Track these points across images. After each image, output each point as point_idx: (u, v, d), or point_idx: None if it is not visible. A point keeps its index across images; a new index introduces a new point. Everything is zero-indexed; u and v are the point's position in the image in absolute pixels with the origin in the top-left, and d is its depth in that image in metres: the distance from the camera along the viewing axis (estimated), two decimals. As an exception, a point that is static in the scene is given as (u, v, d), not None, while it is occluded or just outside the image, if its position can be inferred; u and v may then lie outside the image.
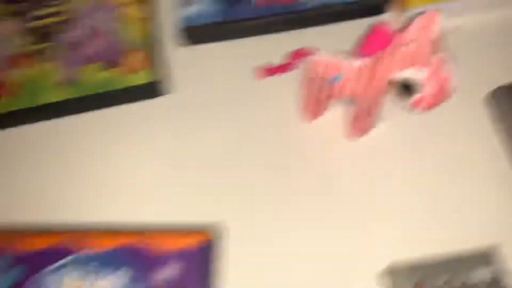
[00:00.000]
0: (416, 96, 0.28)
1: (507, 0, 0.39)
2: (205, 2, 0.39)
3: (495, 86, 0.34)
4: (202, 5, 0.39)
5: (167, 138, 0.36)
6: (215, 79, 0.38)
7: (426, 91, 0.28)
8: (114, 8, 0.40)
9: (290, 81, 0.37)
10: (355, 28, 0.38)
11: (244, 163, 0.34)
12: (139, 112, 0.37)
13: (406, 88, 0.28)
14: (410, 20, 0.27)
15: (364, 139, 0.35)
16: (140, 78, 0.37)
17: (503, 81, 0.35)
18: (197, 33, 0.38)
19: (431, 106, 0.28)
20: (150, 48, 0.38)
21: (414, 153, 0.34)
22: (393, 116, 0.34)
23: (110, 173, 0.35)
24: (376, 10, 0.40)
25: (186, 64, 0.39)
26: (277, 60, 0.37)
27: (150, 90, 0.37)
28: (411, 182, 0.33)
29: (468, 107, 0.35)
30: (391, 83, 0.28)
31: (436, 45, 0.27)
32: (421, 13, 0.27)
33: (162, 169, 0.35)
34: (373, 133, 0.35)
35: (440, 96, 0.28)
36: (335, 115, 0.36)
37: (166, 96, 0.38)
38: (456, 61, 0.36)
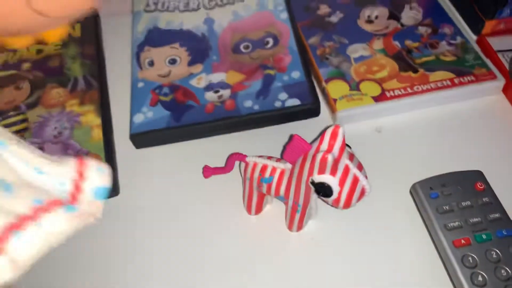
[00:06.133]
0: (334, 197, 0.32)
1: (420, 103, 0.45)
2: (153, 110, 0.44)
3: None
4: (150, 113, 0.44)
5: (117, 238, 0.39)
6: (164, 179, 0.42)
7: (340, 193, 0.32)
8: (74, 116, 0.44)
9: (232, 179, 0.41)
10: (293, 128, 0.43)
11: (197, 263, 0.37)
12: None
13: (325, 190, 0.32)
14: (322, 133, 0.32)
15: (306, 230, 0.39)
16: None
17: (423, 174, 0.40)
18: (145, 138, 0.43)
19: (348, 203, 0.32)
20: (104, 152, 0.42)
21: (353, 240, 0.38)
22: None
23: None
24: (312, 113, 0.45)
25: (136, 166, 0.42)
26: (222, 160, 0.41)
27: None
28: (353, 264, 0.37)
29: (398, 196, 0.40)
30: (311, 185, 0.32)
31: (342, 152, 0.32)
32: (328, 127, 0.32)
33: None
34: (314, 224, 0.39)
35: (353, 195, 0.32)
36: (275, 211, 0.40)
37: (118, 196, 0.41)
38: (378, 161, 0.41)
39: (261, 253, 0.38)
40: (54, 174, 0.21)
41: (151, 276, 0.37)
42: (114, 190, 0.41)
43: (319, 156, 0.30)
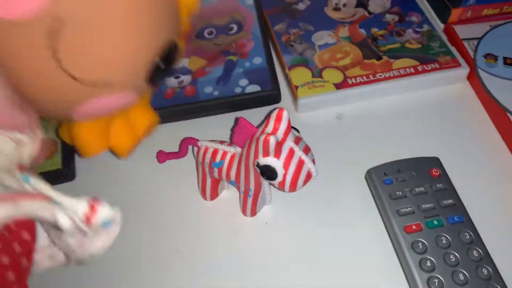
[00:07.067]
0: (279, 180, 0.32)
1: (382, 91, 0.45)
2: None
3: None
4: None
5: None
6: (120, 164, 0.41)
7: (285, 175, 0.31)
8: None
9: (188, 164, 0.40)
10: (254, 115, 0.43)
11: (151, 248, 0.37)
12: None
13: (270, 173, 0.32)
14: (268, 116, 0.32)
15: (261, 215, 0.39)
16: (51, 165, 0.40)
17: (380, 160, 0.39)
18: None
19: (293, 186, 0.32)
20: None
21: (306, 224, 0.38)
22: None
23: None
24: (271, 100, 0.44)
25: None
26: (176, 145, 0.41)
27: (60, 176, 0.40)
28: (307, 248, 0.37)
29: (353, 182, 0.40)
30: (257, 168, 0.32)
31: (287, 135, 0.31)
32: (273, 110, 0.32)
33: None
34: (269, 209, 0.39)
35: (298, 178, 0.32)
36: (231, 196, 0.40)
37: (74, 180, 0.41)
38: (334, 145, 0.40)
39: (215, 237, 0.38)
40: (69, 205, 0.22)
41: (105, 262, 0.37)
42: (70, 175, 0.41)
43: (262, 138, 0.30)
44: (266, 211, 0.39)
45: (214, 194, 0.39)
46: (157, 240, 0.38)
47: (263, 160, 0.31)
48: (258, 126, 0.33)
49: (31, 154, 0.24)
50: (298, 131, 0.33)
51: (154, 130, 0.33)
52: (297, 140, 0.32)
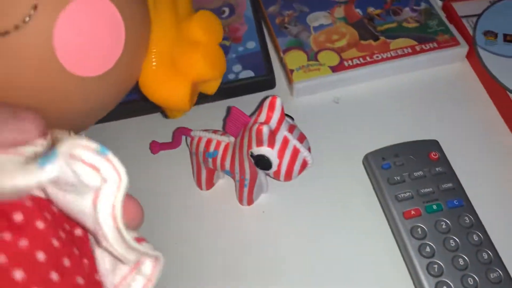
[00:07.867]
0: (273, 169, 0.31)
1: (379, 72, 0.44)
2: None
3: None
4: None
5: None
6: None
7: (280, 165, 0.31)
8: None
9: (180, 155, 0.40)
10: (249, 101, 0.42)
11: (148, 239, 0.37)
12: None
13: (264, 162, 0.31)
14: (261, 104, 0.31)
15: (258, 203, 0.38)
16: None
17: (378, 145, 0.39)
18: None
19: (289, 175, 0.31)
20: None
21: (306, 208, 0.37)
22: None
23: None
24: (266, 85, 0.43)
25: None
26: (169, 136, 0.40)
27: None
28: (305, 236, 0.36)
29: (351, 168, 0.39)
30: (251, 158, 0.31)
31: (280, 124, 0.31)
32: (266, 98, 0.31)
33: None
34: (266, 198, 0.38)
35: (293, 167, 0.31)
36: (228, 185, 0.39)
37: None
38: (332, 130, 0.40)
39: (212, 227, 0.37)
40: None
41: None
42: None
43: (254, 128, 0.29)
44: (263, 200, 0.38)
45: (210, 184, 0.39)
46: (153, 232, 0.37)
47: (256, 150, 0.31)
48: (252, 115, 0.32)
49: None
50: (292, 118, 0.33)
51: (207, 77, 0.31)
52: (291, 129, 0.31)
